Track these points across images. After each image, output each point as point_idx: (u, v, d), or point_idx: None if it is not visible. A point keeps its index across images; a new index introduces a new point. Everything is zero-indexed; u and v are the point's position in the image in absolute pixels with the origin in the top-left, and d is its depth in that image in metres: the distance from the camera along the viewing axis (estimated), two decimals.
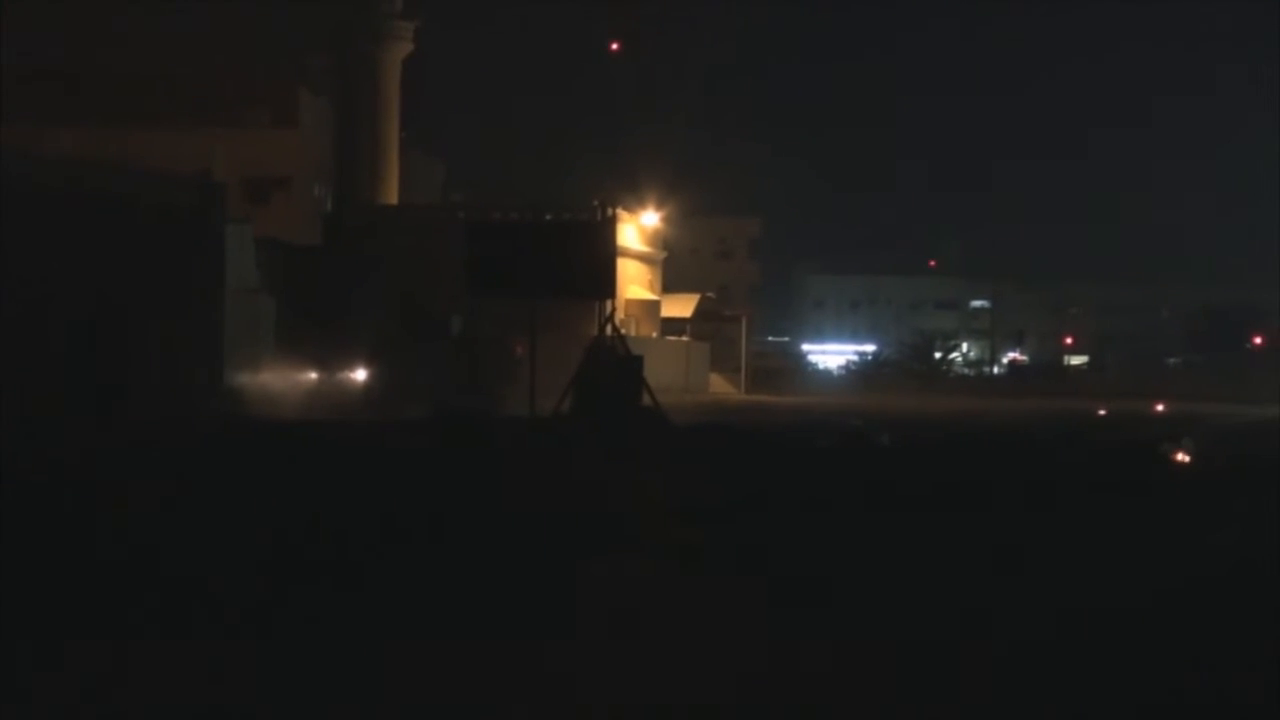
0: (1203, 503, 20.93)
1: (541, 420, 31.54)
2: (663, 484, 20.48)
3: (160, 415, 27.91)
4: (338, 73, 77.66)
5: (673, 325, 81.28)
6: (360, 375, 52.44)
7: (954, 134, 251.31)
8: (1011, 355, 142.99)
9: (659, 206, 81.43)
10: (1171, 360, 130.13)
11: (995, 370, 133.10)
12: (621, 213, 69.70)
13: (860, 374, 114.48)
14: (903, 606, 13.01)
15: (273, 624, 11.93)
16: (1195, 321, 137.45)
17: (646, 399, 33.40)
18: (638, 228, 79.27)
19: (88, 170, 33.45)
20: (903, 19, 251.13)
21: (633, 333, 65.69)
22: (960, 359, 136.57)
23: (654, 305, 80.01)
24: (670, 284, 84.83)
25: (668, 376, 62.56)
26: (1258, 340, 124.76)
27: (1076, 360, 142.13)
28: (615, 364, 33.92)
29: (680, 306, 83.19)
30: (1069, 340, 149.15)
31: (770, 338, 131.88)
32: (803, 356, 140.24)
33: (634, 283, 77.63)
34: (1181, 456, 26.67)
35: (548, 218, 57.68)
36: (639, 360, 34.55)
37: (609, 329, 35.03)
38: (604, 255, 36.59)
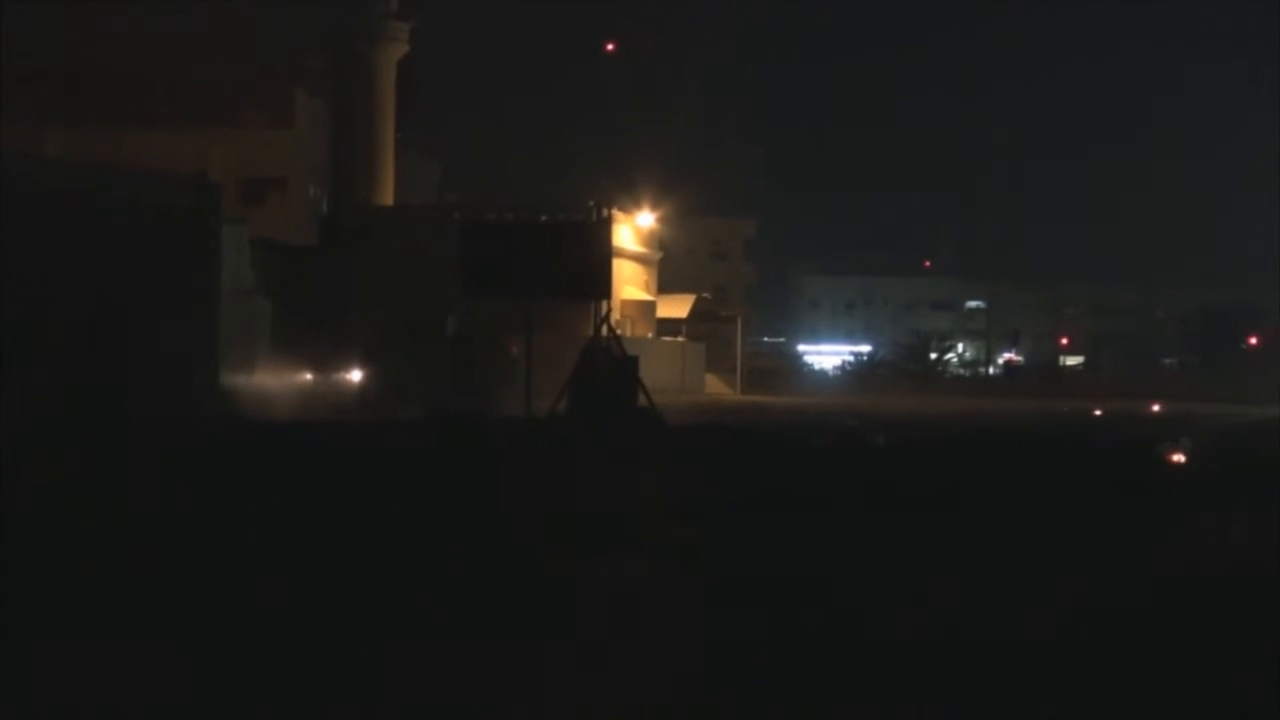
0: (1200, 503, 20.92)
1: (537, 421, 31.53)
2: (660, 484, 20.47)
3: (157, 416, 27.89)
4: (333, 73, 77.62)
5: (668, 326, 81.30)
6: (355, 376, 52.43)
7: (953, 134, 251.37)
8: (1007, 356, 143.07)
9: (654, 207, 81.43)
10: (1167, 361, 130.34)
11: (991, 371, 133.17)
12: (617, 213, 69.68)
13: (856, 374, 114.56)
14: (902, 606, 13.01)
15: (272, 624, 11.92)
16: (1191, 322, 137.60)
17: (642, 399, 33.40)
18: (633, 228, 79.26)
19: (84, 170, 33.43)
20: (902, 19, 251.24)
21: (628, 333, 65.75)
22: (956, 359, 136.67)
23: (649, 306, 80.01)
24: (666, 284, 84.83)
25: (663, 377, 62.55)
26: (1253, 340, 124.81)
27: (1072, 361, 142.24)
28: (611, 365, 33.91)
29: (676, 307, 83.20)
30: (1064, 341, 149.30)
31: (766, 338, 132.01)
32: (798, 357, 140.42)
33: (629, 283, 77.63)
34: (1177, 457, 26.66)
35: (543, 218, 57.63)
36: (634, 361, 34.53)
37: (604, 330, 35.02)
38: (599, 256, 36.55)
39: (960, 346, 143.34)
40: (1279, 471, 24.12)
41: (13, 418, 25.54)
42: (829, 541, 16.76)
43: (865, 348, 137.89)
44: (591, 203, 55.84)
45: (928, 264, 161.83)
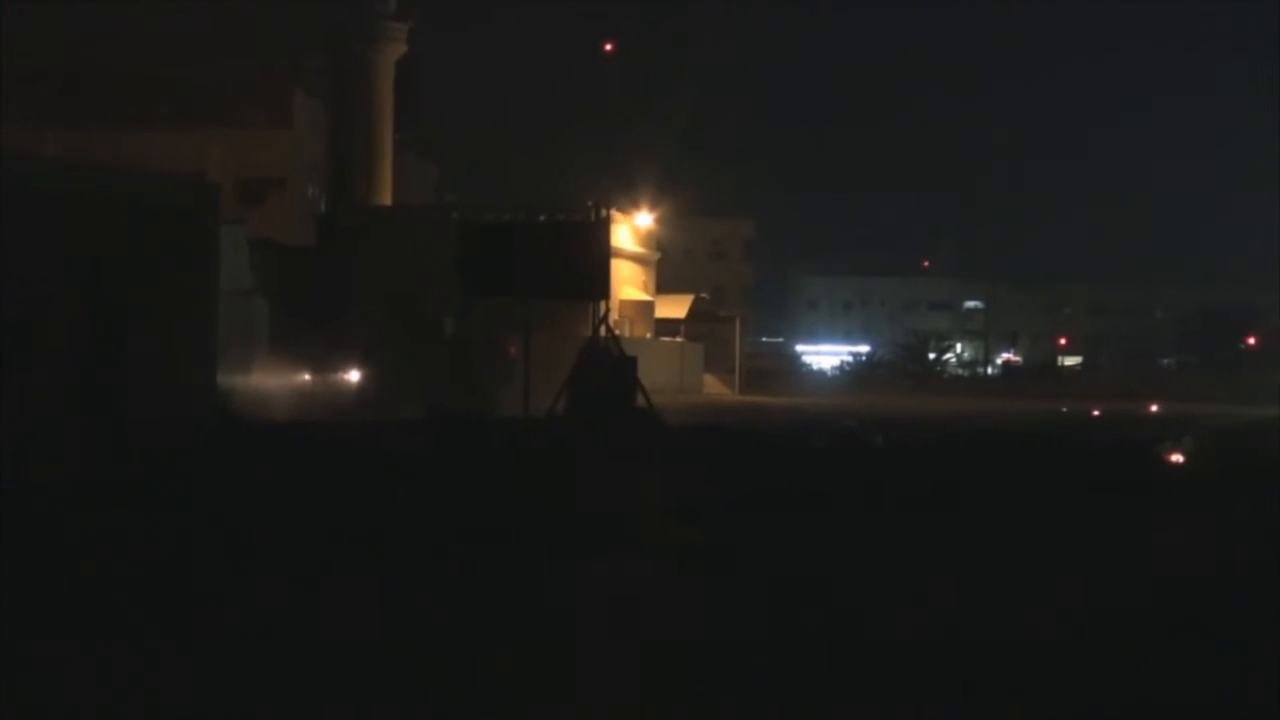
0: (1198, 503, 20.93)
1: (536, 421, 31.52)
2: (659, 484, 20.48)
3: (156, 416, 27.88)
4: (331, 74, 77.57)
5: (667, 326, 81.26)
6: (354, 376, 52.38)
7: (952, 134, 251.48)
8: (1005, 356, 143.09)
9: (653, 207, 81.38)
10: (1165, 361, 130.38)
11: (989, 371, 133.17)
12: (615, 214, 69.61)
13: (854, 375, 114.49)
14: (901, 606, 13.01)
15: (271, 624, 11.92)
16: (1189, 322, 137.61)
17: (641, 400, 33.39)
18: (632, 228, 79.23)
19: (83, 170, 33.40)
20: (902, 19, 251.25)
21: (627, 334, 65.68)
22: (954, 360, 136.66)
23: (648, 306, 79.98)
24: (664, 285, 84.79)
25: (662, 377, 62.54)
26: (1251, 341, 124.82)
27: (1070, 361, 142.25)
28: (609, 365, 33.91)
29: (674, 307, 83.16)
30: (1063, 341, 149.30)
31: (764, 338, 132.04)
32: (797, 357, 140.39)
33: (628, 284, 77.59)
34: (1176, 457, 26.67)
35: (541, 218, 57.57)
36: (633, 361, 34.53)
37: (603, 330, 35.02)
38: (598, 256, 36.53)
39: (959, 347, 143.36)
40: (1278, 472, 24.13)
41: (13, 418, 25.53)
42: (828, 541, 16.77)
43: (864, 348, 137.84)
44: (590, 203, 55.80)
45: (926, 264, 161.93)
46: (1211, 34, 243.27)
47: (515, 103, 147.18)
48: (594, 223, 43.06)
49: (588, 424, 29.74)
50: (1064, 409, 57.92)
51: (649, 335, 76.88)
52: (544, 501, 18.84)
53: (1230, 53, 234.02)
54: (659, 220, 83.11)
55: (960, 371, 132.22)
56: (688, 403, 56.51)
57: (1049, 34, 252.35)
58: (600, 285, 36.23)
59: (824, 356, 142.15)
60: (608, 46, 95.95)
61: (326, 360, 51.47)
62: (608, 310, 36.80)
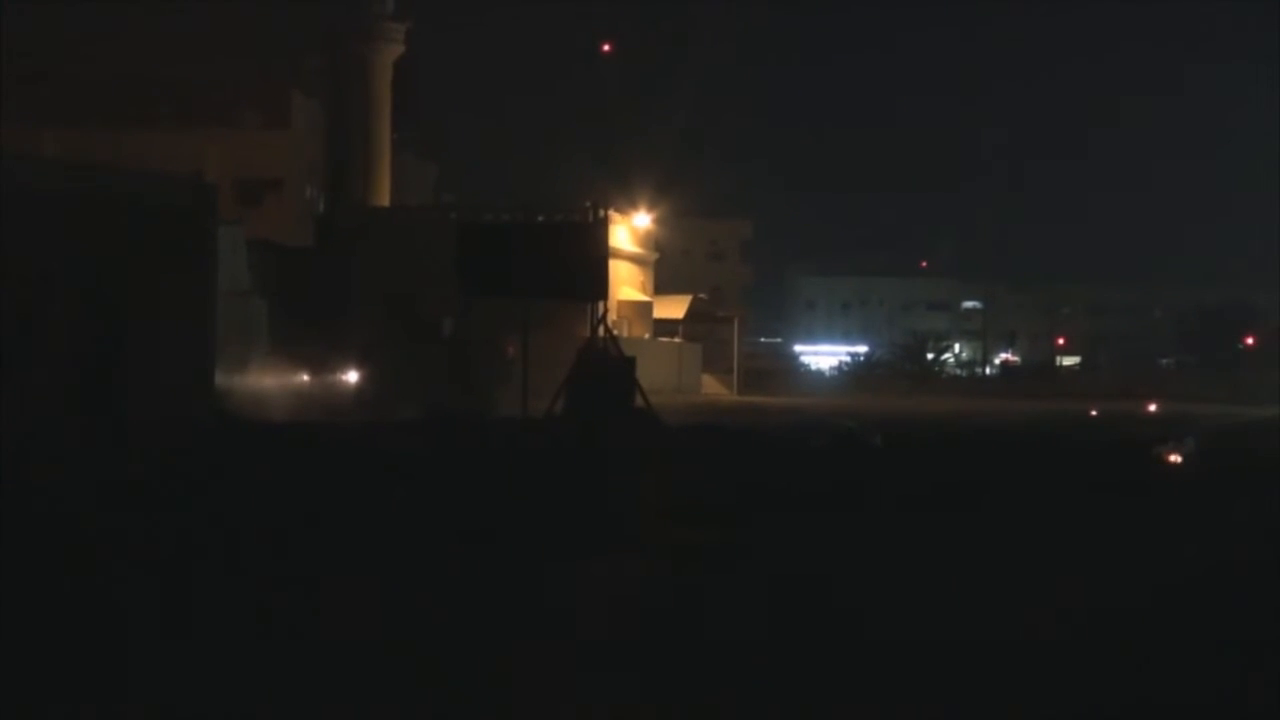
0: (1198, 503, 20.93)
1: (534, 421, 31.50)
2: (658, 485, 20.48)
3: (155, 416, 27.88)
4: (329, 74, 77.59)
5: (665, 326, 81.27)
6: (352, 376, 52.39)
7: (952, 134, 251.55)
8: (1004, 356, 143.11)
9: (651, 208, 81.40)
10: (1164, 361, 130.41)
11: (988, 371, 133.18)
12: (614, 214, 69.65)
13: (852, 375, 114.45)
14: (901, 605, 13.01)
15: (271, 623, 11.92)
16: (1188, 322, 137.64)
17: (639, 400, 33.38)
18: (630, 229, 79.24)
19: (82, 170, 33.40)
20: (903, 19, 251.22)
21: (625, 334, 65.66)
22: (952, 360, 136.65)
23: (646, 306, 80.00)
24: (662, 285, 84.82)
25: (660, 377, 62.56)
26: (1250, 341, 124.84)
27: (1069, 361, 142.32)
28: (608, 365, 33.88)
29: (673, 308, 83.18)
30: (1061, 341, 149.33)
31: (763, 339, 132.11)
32: (795, 357, 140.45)
33: (626, 284, 77.60)
34: (1174, 457, 26.66)
35: (540, 219, 57.58)
36: (631, 362, 34.51)
37: (601, 330, 34.99)
38: (596, 256, 36.50)
39: (957, 347, 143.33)
40: (1278, 472, 24.13)
41: (13, 418, 25.53)
42: (828, 541, 16.77)
43: (862, 348, 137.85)
44: (588, 203, 55.86)
45: (924, 264, 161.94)
46: (1211, 34, 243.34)
47: (514, 103, 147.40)
48: (592, 223, 43.09)
49: (586, 424, 29.72)
50: (1062, 409, 57.87)
51: (647, 335, 76.90)
52: (543, 501, 18.85)
53: (1230, 53, 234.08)
54: (657, 220, 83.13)
55: (959, 372, 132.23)
56: (686, 403, 56.49)
57: (1049, 34, 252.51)
58: (599, 285, 36.20)
59: (822, 357, 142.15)
60: (606, 47, 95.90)
61: (325, 360, 51.47)
62: (606, 311, 36.78)
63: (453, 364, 52.59)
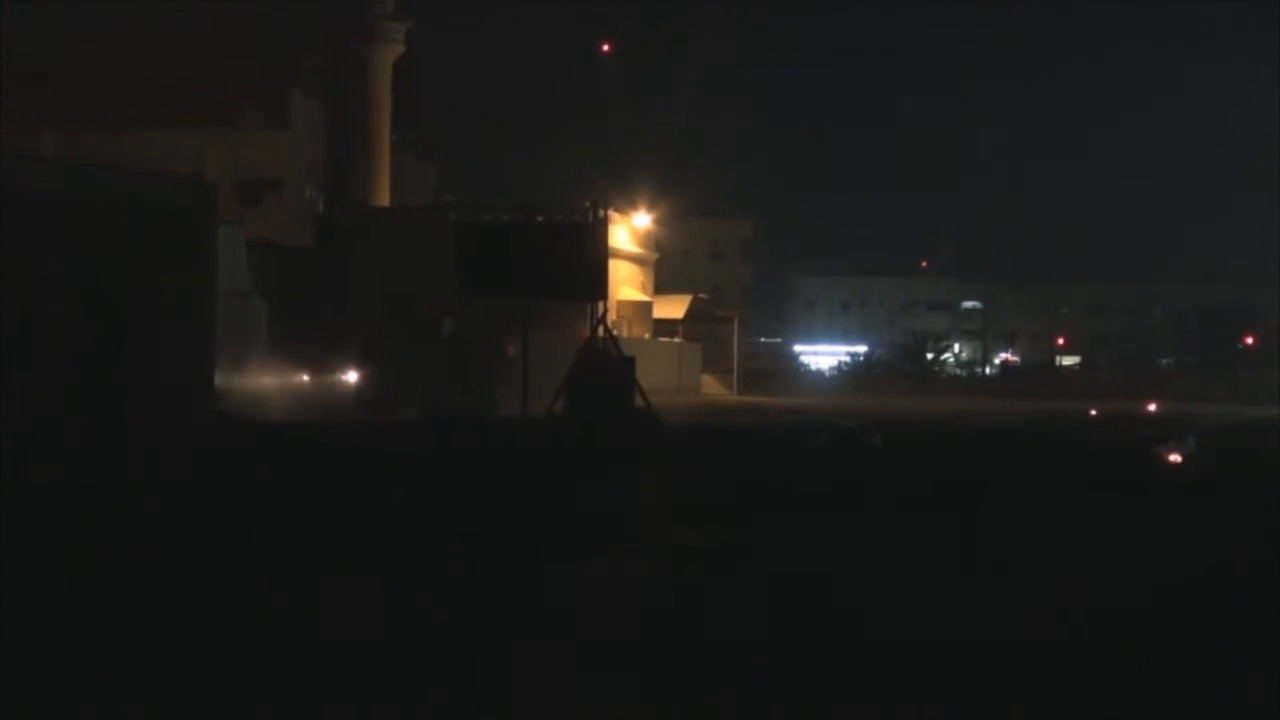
0: (1198, 503, 20.94)
1: (534, 421, 31.51)
2: (658, 485, 20.49)
3: (155, 416, 27.89)
4: (329, 74, 77.59)
5: (665, 326, 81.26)
6: (352, 376, 52.38)
7: (952, 134, 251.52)
8: (1004, 356, 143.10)
9: (651, 208, 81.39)
10: (1164, 361, 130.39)
11: (987, 371, 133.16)
12: (613, 214, 69.64)
13: (852, 375, 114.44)
14: (901, 605, 13.01)
15: (271, 623, 11.92)
16: (1188, 322, 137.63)
17: (639, 400, 33.38)
18: (630, 229, 79.23)
19: (82, 170, 33.39)
20: (903, 19, 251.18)
21: (625, 334, 65.63)
22: (952, 360, 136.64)
23: (646, 306, 80.00)
24: (662, 285, 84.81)
25: (660, 377, 62.54)
26: (1249, 340, 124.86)
27: (1069, 361, 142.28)
28: (608, 365, 33.89)
29: (672, 308, 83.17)
30: (1061, 341, 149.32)
31: (762, 339, 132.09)
32: (795, 357, 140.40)
33: (626, 284, 77.60)
34: (1173, 457, 26.66)
35: (539, 219, 57.55)
36: (631, 361, 34.51)
37: (601, 330, 35.00)
38: (596, 256, 36.52)
39: (957, 347, 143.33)
40: (1278, 472, 24.13)
41: (13, 418, 25.53)
42: (828, 541, 16.77)
43: (861, 348, 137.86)
44: (588, 203, 55.83)
45: (924, 264, 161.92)
46: (1211, 34, 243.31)
47: (514, 103, 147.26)
48: (592, 223, 43.07)
49: (586, 424, 29.73)
50: (1062, 409, 57.86)
51: (647, 335, 76.89)
52: (544, 501, 18.85)
53: (1230, 53, 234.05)
54: (657, 220, 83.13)
55: (958, 371, 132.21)
56: (686, 403, 56.50)
57: (1049, 34, 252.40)
58: (598, 285, 36.22)
59: (822, 357, 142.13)
60: (605, 47, 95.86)
61: (324, 360, 51.46)
62: (606, 310, 36.78)
63: (453, 364, 52.62)
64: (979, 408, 60.80)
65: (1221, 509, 20.03)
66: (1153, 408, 58.97)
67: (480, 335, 52.33)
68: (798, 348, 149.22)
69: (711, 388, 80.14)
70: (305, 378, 49.34)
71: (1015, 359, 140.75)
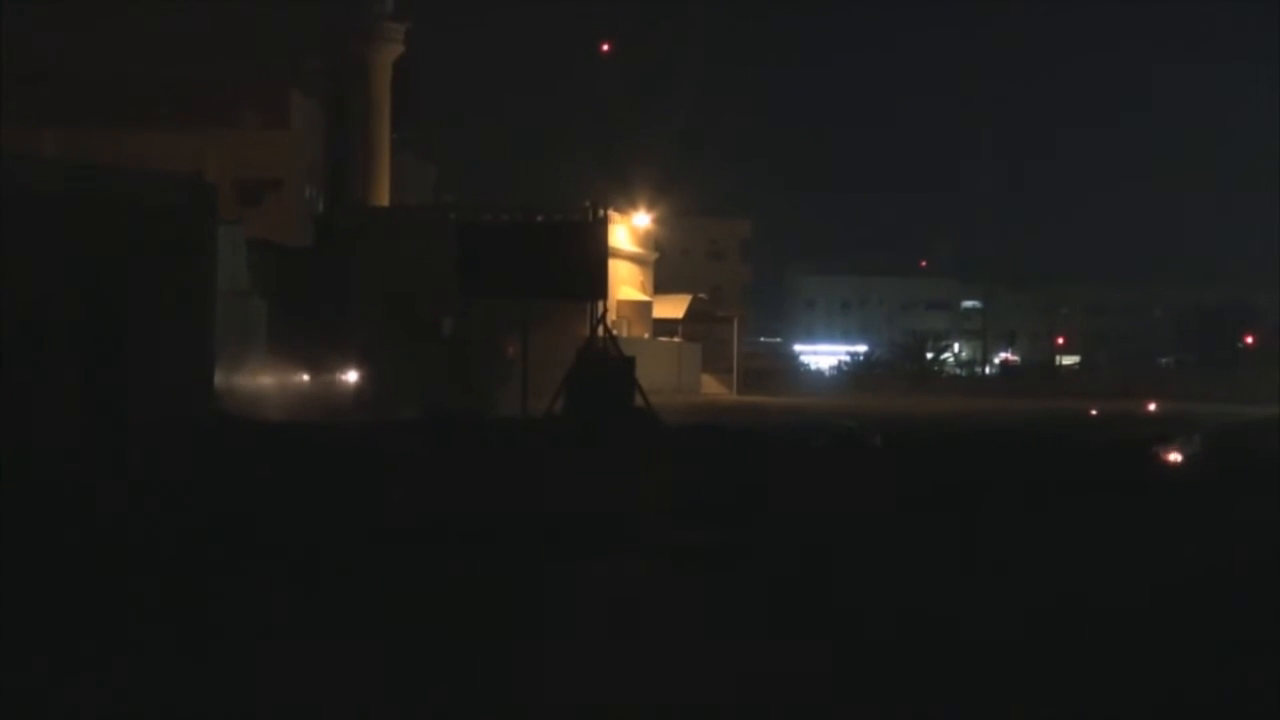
0: (1197, 502, 20.94)
1: (534, 421, 31.49)
2: (658, 484, 20.47)
3: (154, 417, 27.88)
4: (329, 74, 77.63)
5: (665, 326, 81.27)
6: (352, 376, 52.39)
7: (952, 134, 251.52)
8: (1003, 355, 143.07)
9: (651, 207, 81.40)
10: (1164, 360, 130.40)
11: (987, 370, 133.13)
12: (613, 213, 69.66)
13: (852, 374, 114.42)
14: (901, 605, 13.01)
15: (271, 623, 11.92)
16: (1188, 321, 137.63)
17: (639, 400, 33.36)
18: (629, 228, 79.25)
19: (81, 170, 33.38)
20: (903, 19, 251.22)
21: (625, 334, 65.66)
22: (952, 359, 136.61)
23: (646, 306, 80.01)
24: (662, 285, 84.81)
25: (660, 377, 62.54)
26: (1249, 340, 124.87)
27: (1069, 360, 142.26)
28: (607, 365, 33.86)
29: (672, 307, 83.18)
30: (1061, 340, 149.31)
31: (762, 338, 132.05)
32: (795, 357, 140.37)
33: (626, 284, 77.61)
34: (1174, 456, 26.65)
35: (539, 218, 57.60)
36: (631, 361, 34.49)
37: (601, 330, 34.97)
38: (596, 256, 36.47)
39: (957, 346, 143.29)
40: (1278, 471, 24.13)
41: (13, 418, 25.52)
42: (828, 541, 16.77)
43: (861, 348, 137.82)
44: (588, 203, 55.86)
45: (924, 264, 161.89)
46: (1211, 34, 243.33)
47: (514, 102, 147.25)
48: (592, 223, 43.04)
49: (586, 424, 29.71)
50: (1062, 408, 57.86)
51: (647, 335, 76.90)
52: (544, 501, 18.84)
53: (1230, 53, 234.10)
54: (657, 220, 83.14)
55: (958, 371, 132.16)
56: (686, 403, 56.51)
57: (1049, 34, 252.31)
58: (598, 285, 36.18)
59: (822, 356, 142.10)
60: (605, 46, 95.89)
61: (324, 360, 51.46)
62: (605, 310, 36.75)
63: (453, 364, 52.64)
64: (979, 407, 60.81)
65: (1221, 509, 20.03)
66: (1153, 407, 58.98)
67: (480, 335, 52.35)
68: (798, 347, 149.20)
69: (711, 387, 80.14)
70: (305, 378, 49.34)
71: (1015, 359, 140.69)
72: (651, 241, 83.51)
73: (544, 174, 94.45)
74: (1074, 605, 13.06)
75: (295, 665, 10.59)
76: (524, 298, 35.26)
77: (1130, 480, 23.33)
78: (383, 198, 76.53)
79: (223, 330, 37.78)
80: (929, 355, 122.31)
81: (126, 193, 31.67)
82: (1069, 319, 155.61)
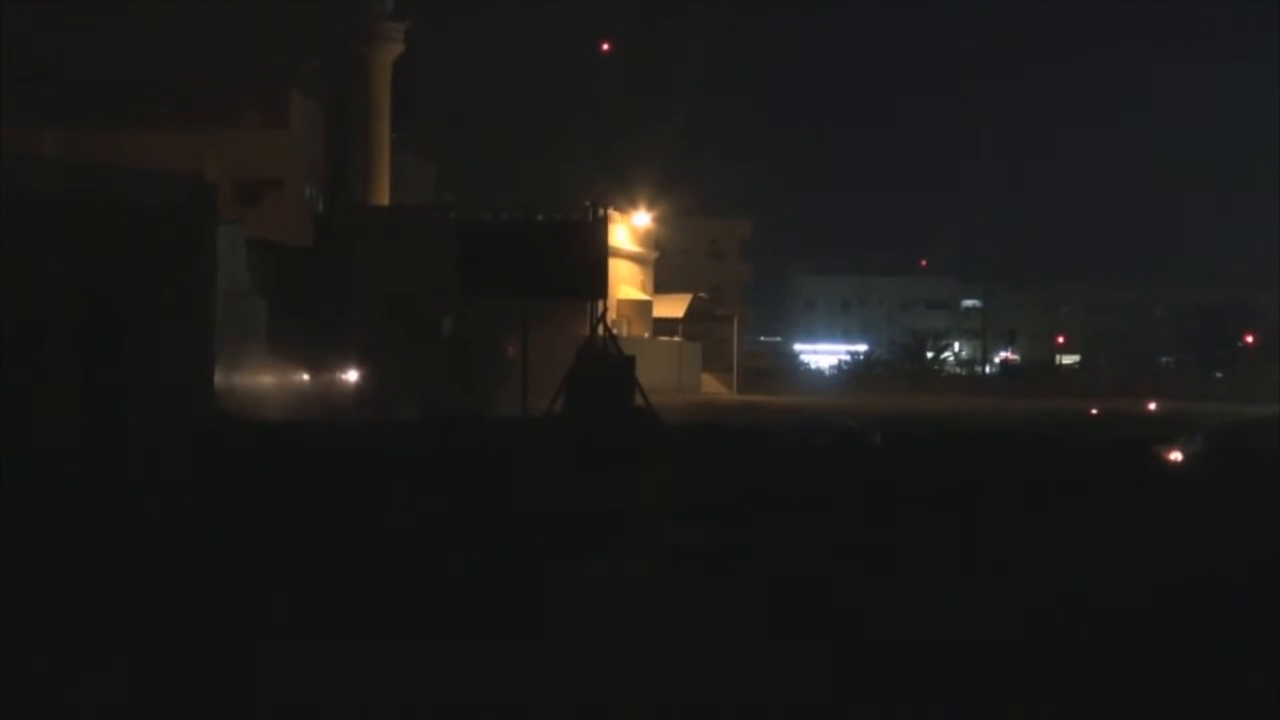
0: (1197, 502, 20.94)
1: (534, 421, 31.48)
2: (658, 484, 20.48)
3: (154, 417, 27.89)
4: (329, 74, 77.65)
5: (665, 325, 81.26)
6: (352, 376, 52.39)
7: (952, 134, 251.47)
8: (1004, 355, 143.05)
9: (651, 207, 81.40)
10: (1164, 359, 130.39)
11: (987, 370, 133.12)
12: (613, 213, 69.66)
13: (852, 374, 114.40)
14: (901, 605, 13.01)
15: (271, 623, 11.91)
16: (1188, 321, 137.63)
17: (639, 399, 33.35)
18: (629, 228, 79.25)
19: (81, 170, 33.38)
20: (903, 19, 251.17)
21: (625, 333, 65.66)
22: (952, 359, 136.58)
23: (646, 305, 80.00)
24: (662, 284, 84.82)
25: (660, 376, 62.54)
26: (1249, 339, 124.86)
27: (1069, 360, 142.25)
28: (607, 364, 33.84)
29: (672, 307, 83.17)
30: (1061, 340, 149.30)
31: (762, 338, 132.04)
32: (795, 356, 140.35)
33: (626, 283, 77.61)
34: (1174, 456, 26.65)
35: (539, 218, 57.57)
36: (631, 361, 34.47)
37: (601, 329, 34.95)
38: (596, 255, 36.44)
39: (957, 346, 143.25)
40: (1278, 471, 24.13)
41: (13, 418, 25.52)
42: (828, 541, 16.76)
43: (861, 347, 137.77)
44: (588, 202, 55.83)
45: (924, 263, 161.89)
46: (1211, 34, 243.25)
47: (514, 102, 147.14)
48: (592, 222, 42.98)
49: (586, 423, 29.71)
50: (1062, 407, 57.85)
51: (647, 334, 76.91)
52: (544, 501, 18.84)
53: (1230, 53, 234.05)
54: (657, 219, 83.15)
55: (958, 370, 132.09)
56: (686, 402, 56.50)
57: (1049, 34, 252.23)
58: (598, 285, 36.15)
59: (822, 356, 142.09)
60: (605, 46, 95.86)
61: (324, 360, 51.47)
62: (605, 310, 36.73)
63: (453, 364, 52.62)
64: (979, 406, 60.79)
65: (1221, 508, 20.03)
66: (1153, 407, 58.97)
67: (480, 335, 52.33)
68: (797, 347, 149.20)
69: (711, 387, 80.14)
70: (305, 377, 49.35)
71: (1015, 358, 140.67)
72: (651, 241, 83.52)
73: (544, 174, 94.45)
74: (1074, 605, 13.07)
75: (295, 665, 10.59)
76: (524, 297, 35.23)
77: (1130, 480, 23.34)
78: (382, 197, 76.54)
79: (223, 330, 37.77)
80: (929, 355, 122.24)
81: (126, 193, 31.67)
82: (1069, 318, 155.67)
